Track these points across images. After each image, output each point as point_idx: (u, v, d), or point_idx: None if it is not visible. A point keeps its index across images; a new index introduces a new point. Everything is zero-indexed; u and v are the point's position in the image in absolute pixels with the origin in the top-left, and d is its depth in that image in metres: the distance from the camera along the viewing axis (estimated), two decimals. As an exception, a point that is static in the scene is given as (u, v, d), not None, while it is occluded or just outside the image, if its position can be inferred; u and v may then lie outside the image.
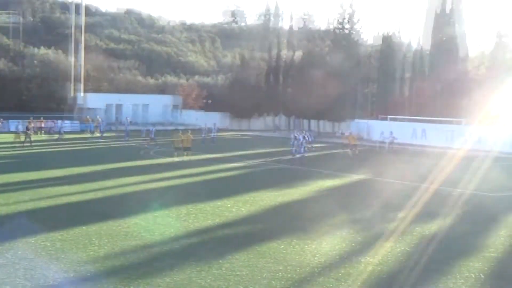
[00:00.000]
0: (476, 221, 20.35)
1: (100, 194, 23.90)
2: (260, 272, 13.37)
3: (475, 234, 18.04)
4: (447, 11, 67.58)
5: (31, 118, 59.85)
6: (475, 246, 16.43)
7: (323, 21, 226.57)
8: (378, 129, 59.60)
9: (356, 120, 68.39)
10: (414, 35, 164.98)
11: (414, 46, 76.61)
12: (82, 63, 78.60)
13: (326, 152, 49.33)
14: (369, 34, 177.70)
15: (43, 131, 62.67)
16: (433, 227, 18.74)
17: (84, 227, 17.32)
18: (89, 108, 76.58)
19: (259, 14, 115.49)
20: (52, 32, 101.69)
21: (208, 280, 12.67)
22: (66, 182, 27.04)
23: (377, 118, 67.08)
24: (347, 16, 75.64)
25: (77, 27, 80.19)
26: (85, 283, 12.52)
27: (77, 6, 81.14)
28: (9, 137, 50.60)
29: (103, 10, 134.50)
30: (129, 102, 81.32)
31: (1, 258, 14.02)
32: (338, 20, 76.18)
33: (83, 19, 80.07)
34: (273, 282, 12.75)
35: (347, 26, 75.26)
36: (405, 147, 51.31)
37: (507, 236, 17.94)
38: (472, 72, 69.33)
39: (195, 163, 36.35)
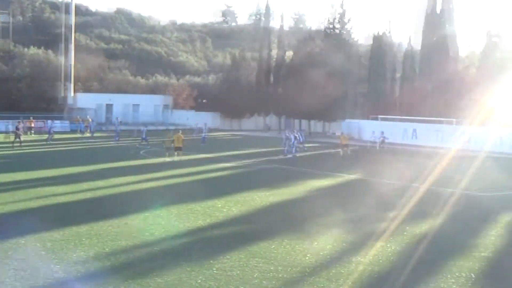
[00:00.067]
0: (467, 220, 20.40)
1: (90, 195, 23.81)
2: (251, 272, 13.35)
3: (466, 234, 18.08)
4: (438, 11, 67.80)
5: (21, 118, 59.63)
6: (466, 246, 16.46)
7: (315, 21, 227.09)
8: (369, 129, 59.82)
9: (347, 120, 68.54)
10: (405, 35, 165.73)
11: (405, 46, 76.75)
12: (72, 63, 78.31)
13: (317, 152, 49.37)
14: (360, 34, 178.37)
15: (32, 131, 62.39)
16: (424, 226, 18.78)
17: (74, 228, 17.24)
18: (79, 108, 76.38)
19: (250, 14, 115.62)
20: (42, 32, 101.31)
21: (199, 280, 12.63)
22: (56, 182, 26.92)
23: (368, 118, 67.24)
24: (337, 16, 75.83)
25: (67, 26, 79.96)
26: (75, 283, 12.45)
27: (67, 6, 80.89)
28: (-1, 137, 50.49)
29: (93, 10, 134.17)
30: (119, 102, 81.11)
31: (-10, 258, 13.94)
32: (329, 20, 76.37)
33: (73, 19, 79.81)
34: (264, 282, 12.73)
35: (338, 26, 75.43)
36: (396, 147, 51.42)
37: (498, 235, 17.99)
38: (463, 72, 69.55)
39: (186, 163, 36.28)
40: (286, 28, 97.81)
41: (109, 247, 15.27)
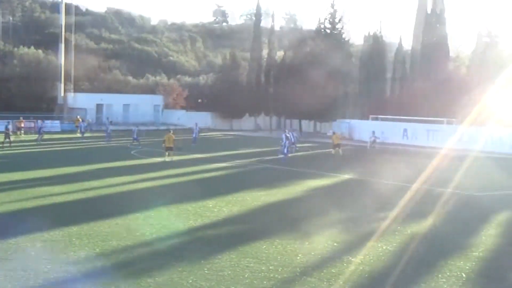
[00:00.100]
0: (461, 220, 20.45)
1: (83, 195, 23.73)
2: (242, 272, 13.33)
3: (458, 233, 18.12)
4: (434, 11, 67.92)
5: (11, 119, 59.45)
6: (458, 245, 16.50)
7: (307, 21, 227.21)
8: (362, 129, 59.99)
9: (338, 120, 68.63)
10: (401, 36, 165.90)
11: (401, 46, 76.85)
12: (62, 62, 78.03)
13: (309, 152, 49.35)
14: (356, 34, 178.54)
15: (22, 131, 62.12)
16: (416, 226, 18.80)
17: (64, 228, 17.16)
18: (70, 108, 76.16)
19: (243, 14, 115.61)
20: (33, 32, 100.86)
21: (190, 281, 12.61)
22: (49, 182, 26.82)
23: (361, 118, 67.36)
24: (329, 16, 75.78)
25: (58, 26, 79.73)
26: (66, 284, 12.41)
27: (57, 5, 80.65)
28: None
29: (84, 10, 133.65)
30: (110, 102, 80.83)
31: (-20, 259, 13.87)
32: (320, 19, 76.39)
33: (63, 18, 79.57)
34: (255, 281, 12.72)
35: (329, 25, 75.40)
36: (388, 147, 51.51)
37: (492, 235, 18.04)
38: (458, 72, 69.76)
39: (178, 164, 36.19)
40: (277, 28, 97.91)
41: (99, 248, 15.22)
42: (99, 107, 79.80)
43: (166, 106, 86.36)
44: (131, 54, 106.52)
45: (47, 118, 69.33)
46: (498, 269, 14.66)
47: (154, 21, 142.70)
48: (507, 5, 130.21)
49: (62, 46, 78.24)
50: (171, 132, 40.11)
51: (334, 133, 49.84)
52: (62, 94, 78.37)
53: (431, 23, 67.51)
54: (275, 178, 30.76)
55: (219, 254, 14.73)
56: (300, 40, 79.88)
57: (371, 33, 76.80)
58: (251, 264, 13.98)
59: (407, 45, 78.63)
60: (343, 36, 76.39)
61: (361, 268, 13.98)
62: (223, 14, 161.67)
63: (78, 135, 60.92)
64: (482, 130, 49.65)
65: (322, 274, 13.39)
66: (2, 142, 45.52)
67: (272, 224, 18.98)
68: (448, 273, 13.63)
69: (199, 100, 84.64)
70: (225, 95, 78.48)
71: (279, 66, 79.01)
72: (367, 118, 64.76)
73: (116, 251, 15.00)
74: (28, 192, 23.94)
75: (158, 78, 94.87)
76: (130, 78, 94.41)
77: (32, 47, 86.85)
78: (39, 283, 12.36)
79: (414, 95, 65.21)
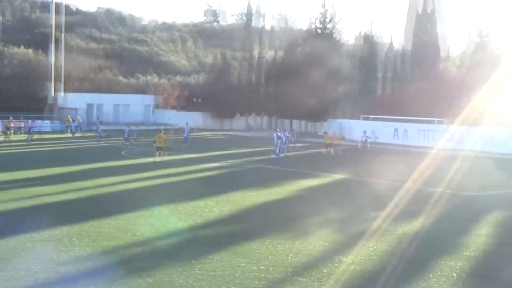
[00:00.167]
0: (455, 220, 20.49)
1: (73, 195, 23.67)
2: (234, 272, 13.31)
3: (451, 233, 18.15)
4: (428, 11, 68.03)
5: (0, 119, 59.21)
6: (450, 245, 16.53)
7: (301, 21, 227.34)
8: (354, 128, 60.05)
9: (329, 120, 68.64)
10: (393, 36, 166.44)
11: (395, 46, 77.13)
12: (53, 62, 77.75)
13: (302, 152, 49.30)
14: (347, 34, 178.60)
15: (11, 131, 61.80)
16: (408, 226, 18.82)
17: (55, 228, 17.09)
18: (60, 108, 75.89)
19: (234, 13, 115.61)
20: (24, 31, 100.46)
21: (181, 281, 12.57)
22: (39, 183, 26.72)
23: (352, 118, 67.38)
24: (320, 16, 75.89)
25: (49, 26, 79.44)
26: (56, 284, 12.35)
27: (47, 4, 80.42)
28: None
29: (74, 9, 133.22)
30: (100, 102, 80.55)
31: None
32: (315, 19, 76.49)
33: (53, 17, 79.25)
34: (246, 281, 12.70)
35: (324, 25, 75.47)
36: (380, 146, 51.55)
37: (486, 235, 18.09)
38: (449, 72, 69.89)
39: (170, 164, 36.11)
40: (268, 28, 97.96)
41: (90, 248, 15.17)
42: (89, 107, 79.51)
43: (157, 106, 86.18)
44: (122, 53, 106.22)
45: (37, 118, 69.02)
46: (488, 269, 14.69)
47: (144, 21, 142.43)
48: (497, 5, 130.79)
49: (53, 45, 77.93)
50: (162, 132, 39.96)
51: (325, 132, 49.81)
52: (53, 94, 78.08)
53: (422, 23, 67.65)
54: (266, 178, 30.73)
55: (210, 254, 14.70)
56: (291, 40, 79.93)
57: (363, 33, 76.98)
58: (242, 264, 13.96)
59: (398, 45, 78.84)
60: (334, 36, 76.53)
61: (352, 268, 13.98)
62: (214, 14, 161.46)
63: (69, 135, 60.67)
64: (473, 130, 49.77)
65: (313, 274, 13.39)
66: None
67: (263, 224, 18.97)
68: (439, 273, 13.65)
69: (195, 100, 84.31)
70: (216, 95, 78.37)
71: (270, 66, 79.06)
72: (358, 118, 64.82)
73: (107, 251, 14.94)
74: (18, 192, 23.83)
75: (148, 78, 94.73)
76: (120, 78, 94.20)
77: (23, 47, 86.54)
78: (39, 283, 12.32)
79: (405, 95, 65.32)
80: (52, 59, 77.47)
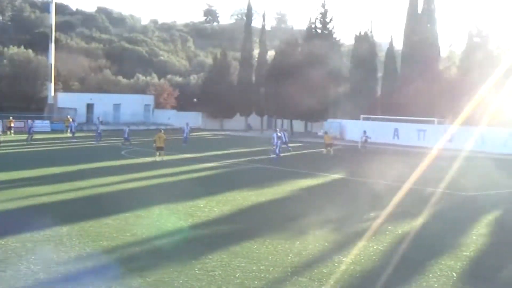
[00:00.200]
0: (451, 220, 20.50)
1: (72, 195, 23.63)
2: (233, 272, 13.30)
3: (449, 233, 18.14)
4: (425, 11, 67.95)
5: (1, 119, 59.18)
6: (449, 245, 16.52)
7: (301, 21, 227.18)
8: (353, 128, 60.09)
9: (329, 120, 68.70)
10: (392, 35, 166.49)
11: (391, 46, 76.87)
12: (52, 62, 77.78)
13: (300, 152, 49.35)
14: (347, 34, 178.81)
15: (12, 131, 61.88)
16: (407, 226, 18.81)
17: (55, 228, 17.08)
18: (60, 108, 75.92)
19: (232, 13, 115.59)
20: (22, 31, 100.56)
21: (181, 281, 12.56)
22: (39, 182, 26.70)
23: (352, 118, 67.42)
24: (319, 16, 75.87)
25: (48, 26, 79.51)
26: (56, 284, 12.33)
27: (47, 4, 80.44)
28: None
29: (74, 9, 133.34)
30: (100, 102, 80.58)
31: (-31, 260, 13.77)
32: (310, 19, 76.50)
33: (53, 18, 79.27)
34: (246, 282, 12.69)
35: (324, 25, 75.45)
36: (379, 147, 51.62)
37: (483, 235, 18.07)
38: (448, 72, 69.90)
39: (169, 164, 36.13)
40: (268, 27, 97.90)
41: (90, 248, 15.15)
42: (89, 107, 79.53)
43: (157, 106, 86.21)
44: (122, 54, 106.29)
45: (37, 118, 69.09)
46: (488, 269, 14.68)
47: (144, 21, 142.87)
48: (497, 5, 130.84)
49: (52, 45, 78.01)
50: (162, 131, 39.94)
51: (326, 132, 49.85)
52: (52, 94, 78.14)
53: (421, 23, 67.57)
54: (266, 178, 30.73)
55: (210, 254, 14.69)
56: (291, 40, 79.93)
57: (362, 33, 76.91)
58: (242, 264, 13.95)
59: (398, 45, 78.72)
60: (334, 36, 76.50)
61: (352, 268, 13.97)
62: (214, 14, 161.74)
63: (68, 134, 60.68)
64: (472, 130, 49.80)
65: (313, 274, 13.37)
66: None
67: (263, 224, 18.96)
68: (438, 273, 13.64)
69: (195, 100, 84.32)
70: (215, 95, 78.44)
71: (270, 66, 79.02)
72: (358, 118, 64.85)
73: (107, 251, 14.93)
74: (17, 192, 23.82)
75: (148, 78, 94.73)
76: (120, 78, 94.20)
77: (22, 47, 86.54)
78: (29, 284, 12.29)
79: (405, 95, 65.28)
80: (52, 59, 77.53)
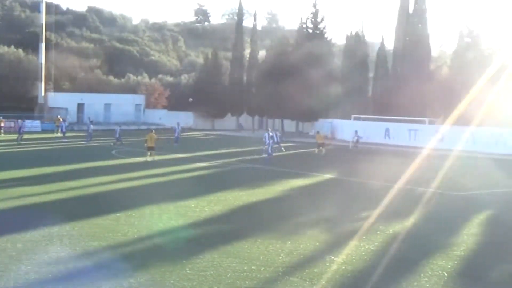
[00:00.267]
0: (443, 219, 20.53)
1: (63, 195, 23.54)
2: (225, 272, 13.27)
3: (441, 233, 18.17)
4: (416, 11, 68.11)
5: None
6: (440, 245, 16.54)
7: (292, 21, 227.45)
8: (345, 128, 60.18)
9: (321, 120, 68.77)
10: (383, 35, 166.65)
11: (383, 45, 77.06)
12: (43, 62, 77.51)
13: (293, 152, 49.34)
14: (338, 34, 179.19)
15: (2, 131, 61.59)
16: (398, 226, 18.84)
17: (46, 228, 16.99)
18: (51, 108, 75.67)
19: (225, 13, 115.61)
20: (13, 30, 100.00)
21: (172, 281, 12.52)
22: (29, 182, 26.56)
23: (343, 118, 67.52)
24: (311, 16, 75.84)
25: (39, 25, 79.23)
26: (46, 284, 12.26)
27: (37, 4, 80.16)
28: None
29: (64, 9, 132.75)
30: (91, 102, 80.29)
31: (-42, 260, 13.68)
32: (306, 19, 76.38)
33: (43, 16, 79.02)
34: (237, 282, 12.66)
35: (315, 25, 75.43)
36: (370, 147, 51.69)
37: (473, 234, 18.12)
38: (439, 72, 70.12)
39: (160, 164, 36.06)
40: (259, 27, 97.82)
41: (80, 248, 15.09)
42: (80, 106, 79.25)
43: (148, 106, 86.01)
44: (113, 53, 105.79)
45: (28, 118, 68.75)
46: (479, 268, 14.71)
47: (135, 21, 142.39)
48: (488, 5, 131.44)
49: (43, 45, 77.73)
50: (153, 131, 39.85)
51: (317, 132, 49.88)
52: (43, 94, 77.86)
53: (412, 23, 67.77)
54: (257, 178, 30.74)
55: (201, 254, 14.66)
56: (282, 40, 79.92)
57: (353, 33, 77.06)
58: (233, 264, 13.92)
59: (389, 45, 78.94)
60: (325, 36, 76.53)
61: (344, 267, 13.97)
62: (205, 14, 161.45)
63: (59, 134, 60.43)
64: (464, 130, 49.93)
65: (305, 273, 13.37)
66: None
67: (254, 224, 18.94)
68: (430, 272, 13.66)
69: (190, 99, 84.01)
70: (207, 95, 78.33)
71: (261, 66, 78.96)
72: (350, 118, 64.94)
73: (98, 251, 14.87)
74: (7, 192, 23.70)
75: (139, 77, 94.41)
76: (111, 77, 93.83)
77: (13, 46, 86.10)
78: (20, 284, 12.22)
79: (396, 95, 65.43)
80: (42, 58, 77.24)
